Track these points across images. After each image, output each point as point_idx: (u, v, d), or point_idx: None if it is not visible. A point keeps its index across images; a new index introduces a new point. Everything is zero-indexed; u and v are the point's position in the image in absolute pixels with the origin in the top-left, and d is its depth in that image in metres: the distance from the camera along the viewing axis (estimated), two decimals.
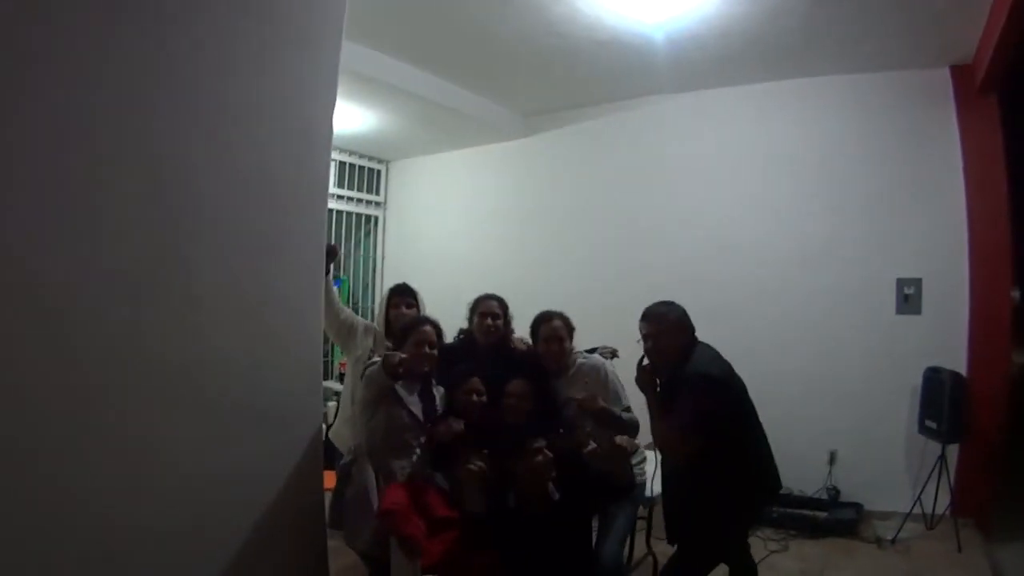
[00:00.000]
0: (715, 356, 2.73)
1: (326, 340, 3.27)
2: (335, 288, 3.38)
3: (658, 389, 2.75)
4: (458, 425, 2.79)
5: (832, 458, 4.74)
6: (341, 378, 5.57)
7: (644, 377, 2.76)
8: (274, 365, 2.61)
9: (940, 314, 4.54)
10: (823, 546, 4.11)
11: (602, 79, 5.17)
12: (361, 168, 7.00)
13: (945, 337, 4.47)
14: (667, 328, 2.71)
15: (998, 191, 4.37)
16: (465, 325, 3.37)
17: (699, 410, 2.50)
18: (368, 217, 7.15)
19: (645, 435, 3.05)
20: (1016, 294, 4.63)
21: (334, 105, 2.85)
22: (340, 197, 6.72)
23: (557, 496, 2.66)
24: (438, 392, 2.99)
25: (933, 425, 4.18)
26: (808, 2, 3.77)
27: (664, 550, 2.97)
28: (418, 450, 2.80)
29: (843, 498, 4.62)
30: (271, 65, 2.58)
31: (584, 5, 3.88)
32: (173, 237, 2.25)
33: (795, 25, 4.07)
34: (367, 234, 7.19)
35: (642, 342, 2.77)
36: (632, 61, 4.72)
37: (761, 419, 2.75)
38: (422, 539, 2.48)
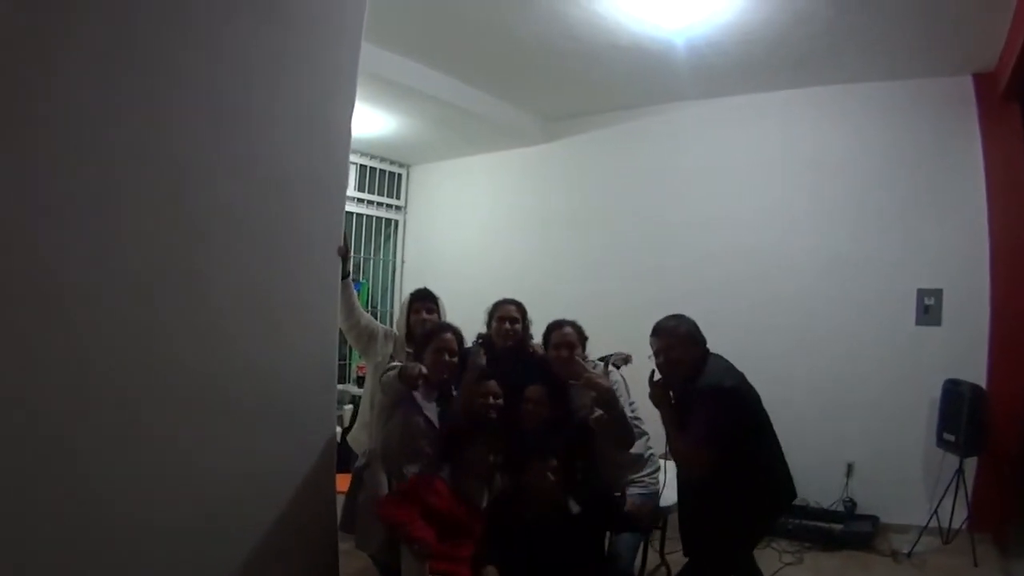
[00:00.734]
0: (728, 367, 2.73)
1: (344, 343, 3.28)
2: (355, 291, 3.40)
3: (672, 403, 2.74)
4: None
5: (849, 470, 4.69)
6: (359, 381, 5.60)
7: (657, 392, 2.75)
8: (289, 367, 2.64)
9: (960, 326, 4.48)
10: (838, 559, 4.08)
11: (622, 85, 5.17)
12: (382, 172, 7.04)
13: (965, 349, 4.41)
14: (678, 342, 2.71)
15: (1021, 200, 4.32)
16: (484, 330, 3.38)
17: (713, 423, 2.50)
18: (388, 221, 7.19)
19: (659, 444, 3.06)
20: None
21: (353, 108, 2.88)
22: (361, 201, 6.76)
23: (577, 510, 2.66)
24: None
25: (951, 438, 4.12)
26: (829, 10, 3.75)
27: (678, 559, 2.96)
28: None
29: (859, 510, 4.57)
30: (290, 68, 2.62)
31: (604, 10, 3.89)
32: (190, 239, 2.29)
33: (816, 32, 4.05)
34: (387, 238, 7.22)
35: (654, 357, 2.77)
36: (652, 67, 4.71)
37: (777, 429, 2.74)
38: (432, 542, 2.50)
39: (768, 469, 2.66)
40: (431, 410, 2.84)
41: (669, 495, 3.10)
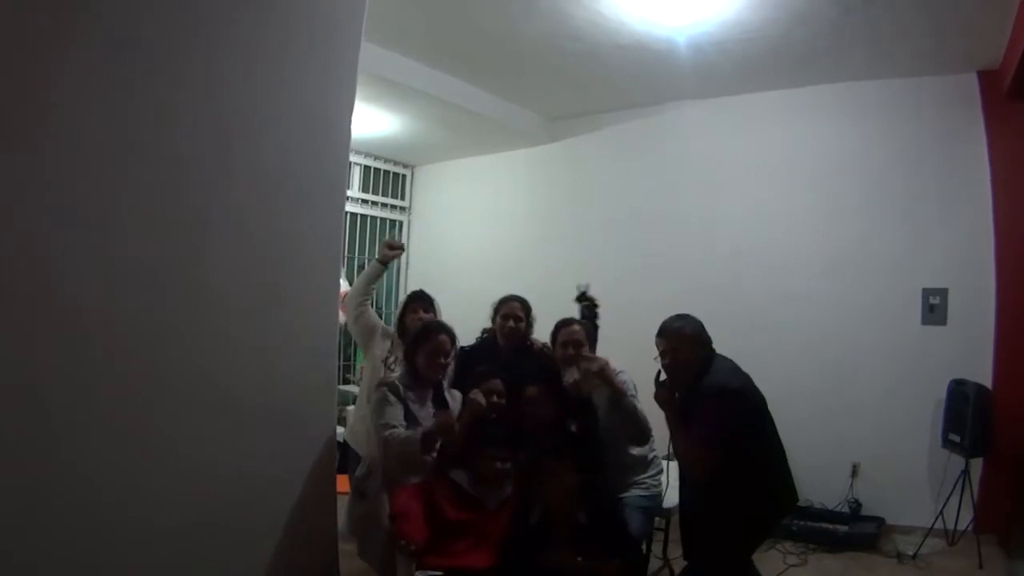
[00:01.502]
0: (733, 368, 2.71)
1: (350, 343, 3.32)
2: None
3: (677, 404, 2.72)
4: (450, 418, 2.75)
5: (854, 470, 4.67)
6: None
7: (663, 393, 2.73)
8: (289, 367, 2.64)
9: (966, 325, 4.44)
10: (843, 560, 4.05)
11: (624, 84, 5.17)
12: (386, 173, 7.05)
13: (971, 349, 4.38)
14: (684, 343, 2.69)
15: None
16: (489, 325, 3.41)
17: (718, 424, 2.49)
18: (393, 222, 7.20)
19: (661, 445, 3.05)
20: None
21: (352, 106, 2.89)
22: (365, 202, 6.77)
23: (585, 520, 2.64)
24: (451, 396, 3.00)
25: (957, 439, 4.09)
26: (832, 7, 3.74)
27: (681, 560, 2.94)
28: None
29: (864, 511, 4.54)
30: (290, 66, 2.63)
31: (607, 9, 3.89)
32: (190, 237, 2.30)
33: (819, 30, 4.03)
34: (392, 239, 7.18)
35: (659, 358, 2.75)
36: (655, 66, 4.71)
37: (782, 430, 2.72)
38: (420, 539, 2.48)
39: (769, 473, 2.64)
40: (426, 418, 2.81)
41: (672, 496, 3.09)
